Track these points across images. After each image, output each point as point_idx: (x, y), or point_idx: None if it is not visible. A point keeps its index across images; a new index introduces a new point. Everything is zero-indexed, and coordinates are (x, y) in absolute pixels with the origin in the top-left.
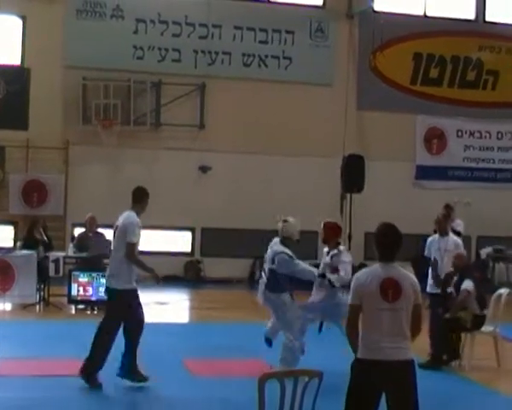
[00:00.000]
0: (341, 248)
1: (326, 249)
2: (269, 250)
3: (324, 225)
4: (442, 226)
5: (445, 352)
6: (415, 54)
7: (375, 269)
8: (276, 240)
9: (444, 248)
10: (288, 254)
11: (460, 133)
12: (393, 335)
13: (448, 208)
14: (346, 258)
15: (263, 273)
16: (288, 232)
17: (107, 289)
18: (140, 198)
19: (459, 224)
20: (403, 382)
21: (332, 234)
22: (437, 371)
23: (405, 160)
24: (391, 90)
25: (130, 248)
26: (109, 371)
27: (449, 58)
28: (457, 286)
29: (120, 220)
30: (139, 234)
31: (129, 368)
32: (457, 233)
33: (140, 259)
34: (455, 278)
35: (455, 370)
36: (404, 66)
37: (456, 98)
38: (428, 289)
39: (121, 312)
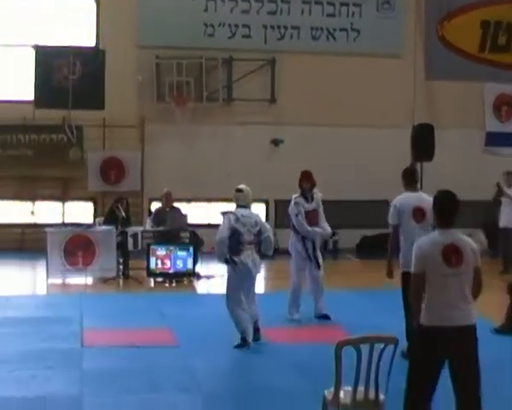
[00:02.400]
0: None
1: (301, 198)
2: (243, 216)
3: (308, 173)
4: None
5: None
6: (482, 22)
7: (435, 236)
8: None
9: None
10: None
11: None
12: (459, 299)
13: (509, 175)
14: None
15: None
16: (242, 201)
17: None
18: None
19: None
20: (468, 346)
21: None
22: None
23: (475, 127)
24: (459, 59)
25: None
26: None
27: None
28: None
29: None
30: None
31: None
32: None
33: None
34: None
35: None
36: (471, 34)
37: None
38: None
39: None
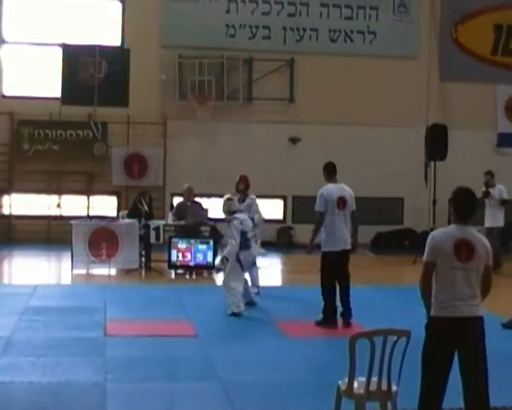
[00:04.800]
0: (253, 196)
1: (237, 197)
2: (245, 222)
3: (245, 177)
4: None
5: None
6: (495, 25)
7: (450, 229)
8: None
9: None
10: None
11: None
12: (465, 293)
13: (488, 175)
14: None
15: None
16: (235, 207)
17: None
18: None
19: (503, 190)
20: (475, 337)
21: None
22: None
23: (487, 128)
24: (472, 61)
25: None
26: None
27: None
28: None
29: None
30: None
31: None
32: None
33: None
34: None
35: None
36: (484, 37)
37: None
38: None
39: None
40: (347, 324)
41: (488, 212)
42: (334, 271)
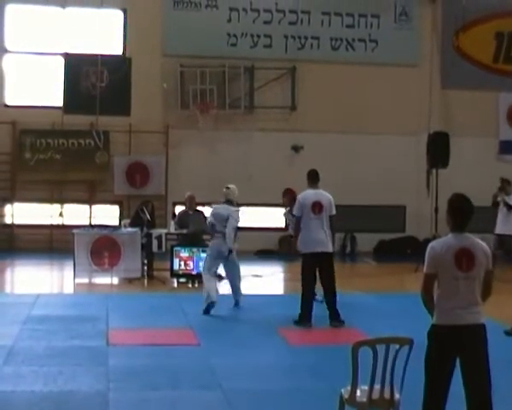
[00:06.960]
0: None
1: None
2: (217, 211)
3: (289, 191)
4: None
5: None
6: (496, 33)
7: (449, 239)
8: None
9: None
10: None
11: None
12: (467, 302)
13: (503, 182)
14: None
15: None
16: (230, 196)
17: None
18: None
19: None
20: (477, 344)
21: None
22: None
23: (489, 135)
24: (474, 69)
25: None
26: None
27: None
28: None
29: None
30: None
31: None
32: (510, 207)
33: None
34: None
35: None
36: (486, 45)
37: None
38: None
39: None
40: (335, 325)
41: (500, 218)
42: (313, 273)
